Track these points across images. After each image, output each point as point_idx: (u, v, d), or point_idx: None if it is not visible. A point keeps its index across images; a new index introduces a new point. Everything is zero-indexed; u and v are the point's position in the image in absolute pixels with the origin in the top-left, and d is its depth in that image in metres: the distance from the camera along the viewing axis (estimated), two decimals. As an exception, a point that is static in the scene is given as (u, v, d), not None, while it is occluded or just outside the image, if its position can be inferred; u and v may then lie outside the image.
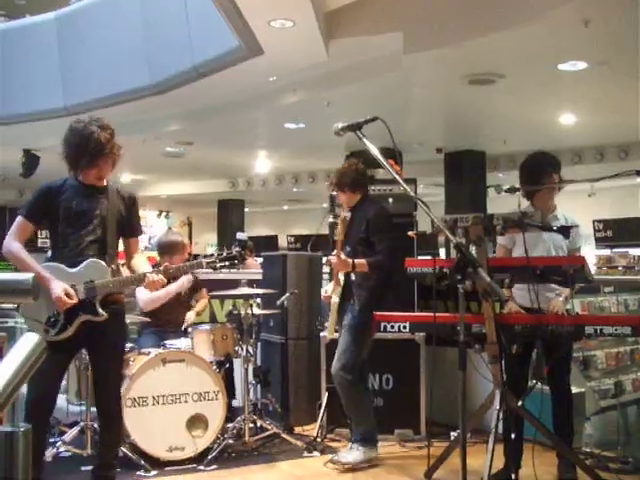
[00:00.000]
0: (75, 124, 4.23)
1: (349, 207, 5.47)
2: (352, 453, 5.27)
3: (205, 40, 6.94)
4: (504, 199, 5.90)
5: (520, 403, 4.38)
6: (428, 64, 6.87)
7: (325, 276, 7.01)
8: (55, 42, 8.77)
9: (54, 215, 4.18)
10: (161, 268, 4.41)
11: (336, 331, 5.45)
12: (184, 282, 6.26)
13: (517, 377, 4.67)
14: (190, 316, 6.32)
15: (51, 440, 5.45)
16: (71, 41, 8.69)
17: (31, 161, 10.36)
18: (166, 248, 6.35)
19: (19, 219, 4.20)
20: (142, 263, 4.51)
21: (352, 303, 5.28)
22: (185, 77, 7.37)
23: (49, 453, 5.20)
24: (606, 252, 12.41)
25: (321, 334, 6.21)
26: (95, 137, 4.14)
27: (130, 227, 4.50)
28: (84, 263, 4.15)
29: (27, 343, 1.67)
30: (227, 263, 4.35)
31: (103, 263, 4.20)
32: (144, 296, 6.11)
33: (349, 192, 5.44)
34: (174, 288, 6.16)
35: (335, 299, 5.37)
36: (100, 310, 4.12)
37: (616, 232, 11.65)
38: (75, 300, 4.05)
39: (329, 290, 5.51)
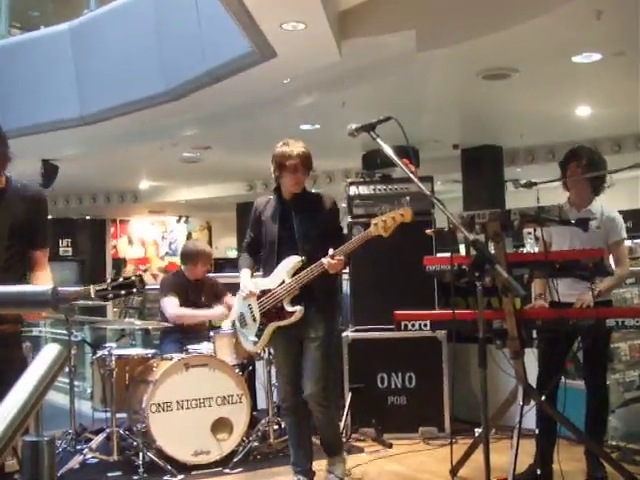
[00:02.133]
0: None
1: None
2: (340, 467, 4.80)
3: (218, 45, 6.96)
4: (523, 194, 5.88)
5: (544, 398, 4.37)
6: (442, 61, 6.86)
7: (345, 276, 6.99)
8: (70, 52, 8.83)
9: None
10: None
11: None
12: (216, 314, 6.31)
13: (549, 372, 4.62)
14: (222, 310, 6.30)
15: (78, 447, 5.51)
16: (85, 51, 8.76)
17: (50, 171, 10.44)
18: (191, 257, 6.31)
19: None
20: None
21: (315, 311, 4.54)
22: (199, 82, 7.39)
23: (76, 460, 5.26)
24: (627, 243, 12.32)
25: (343, 334, 6.22)
26: None
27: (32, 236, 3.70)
28: None
29: (50, 354, 1.70)
30: (122, 292, 3.50)
31: None
32: (173, 310, 6.11)
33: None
34: (210, 314, 6.28)
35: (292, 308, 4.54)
36: None
37: (636, 223, 11.56)
38: None
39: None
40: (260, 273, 4.86)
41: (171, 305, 6.09)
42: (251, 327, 4.66)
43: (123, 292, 3.48)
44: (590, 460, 4.67)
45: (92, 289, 3.47)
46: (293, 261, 4.51)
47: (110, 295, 3.47)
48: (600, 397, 4.77)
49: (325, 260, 4.34)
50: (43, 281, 3.65)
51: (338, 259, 4.36)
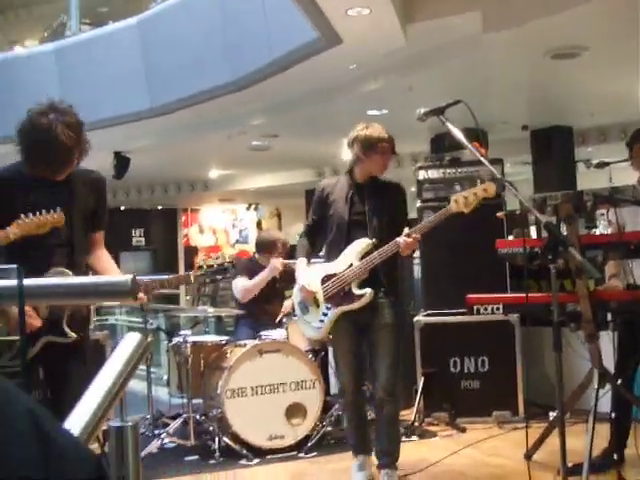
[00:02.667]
0: (37, 118, 3.43)
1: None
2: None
3: (283, 33, 6.99)
4: (595, 174, 5.79)
5: (619, 382, 4.31)
6: (508, 42, 6.76)
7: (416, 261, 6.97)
8: (138, 46, 8.98)
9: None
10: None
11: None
12: (274, 267, 6.13)
13: (627, 356, 4.56)
14: (287, 305, 6.23)
15: (156, 432, 5.63)
16: (153, 43, 8.90)
17: (122, 163, 10.64)
18: (267, 246, 6.30)
19: None
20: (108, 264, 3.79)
21: (382, 296, 4.46)
22: (265, 72, 7.44)
23: (154, 444, 5.38)
24: None
25: (414, 319, 6.22)
26: (61, 141, 3.41)
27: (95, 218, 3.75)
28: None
29: (131, 342, 1.75)
30: (218, 277, 3.87)
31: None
32: (241, 286, 6.15)
33: None
34: (266, 274, 6.13)
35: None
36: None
37: None
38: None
39: (312, 284, 4.57)
40: (321, 255, 4.80)
41: (239, 283, 6.15)
42: (314, 313, 4.54)
43: (219, 277, 3.76)
44: None
45: (192, 275, 3.67)
46: (363, 243, 4.41)
47: (207, 280, 3.59)
48: None
49: (401, 239, 4.25)
50: (108, 261, 3.76)
51: (415, 237, 4.27)
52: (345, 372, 4.57)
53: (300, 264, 4.63)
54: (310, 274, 4.57)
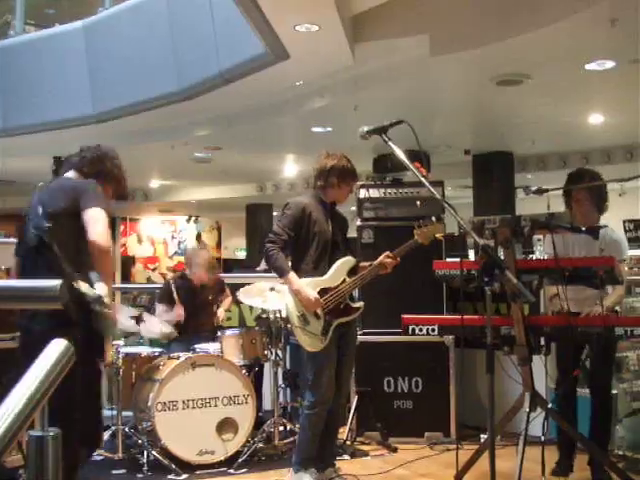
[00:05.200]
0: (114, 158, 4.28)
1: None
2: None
3: (231, 46, 6.97)
4: (534, 201, 5.87)
5: (550, 405, 4.36)
6: (455, 66, 6.84)
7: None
8: (83, 50, 8.85)
9: None
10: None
11: None
12: (177, 314, 6.41)
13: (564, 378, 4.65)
14: (220, 313, 6.55)
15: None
16: (99, 49, 8.77)
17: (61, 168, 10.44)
18: (188, 261, 6.68)
19: None
20: None
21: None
22: (212, 83, 7.40)
23: (81, 457, 5.26)
24: (637, 252, 12.27)
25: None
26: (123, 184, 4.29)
27: None
28: None
29: (56, 349, 1.69)
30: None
31: None
32: (164, 317, 6.40)
33: None
34: (173, 318, 6.39)
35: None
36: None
37: (648, 232, 11.53)
38: None
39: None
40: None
41: (160, 312, 6.41)
42: (315, 324, 4.67)
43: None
44: (594, 468, 4.67)
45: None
46: (350, 262, 4.87)
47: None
48: (604, 403, 4.78)
49: (389, 260, 4.80)
50: None
51: (398, 259, 4.83)
52: (329, 382, 4.73)
53: (294, 278, 4.69)
54: (308, 287, 4.70)
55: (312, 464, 4.76)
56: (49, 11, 12.09)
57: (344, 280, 4.79)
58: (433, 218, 4.92)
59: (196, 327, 6.29)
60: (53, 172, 10.33)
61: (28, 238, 3.74)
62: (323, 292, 4.72)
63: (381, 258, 4.83)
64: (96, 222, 3.66)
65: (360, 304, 4.89)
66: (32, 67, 9.21)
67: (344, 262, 4.84)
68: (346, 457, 5.60)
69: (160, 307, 6.42)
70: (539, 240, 5.31)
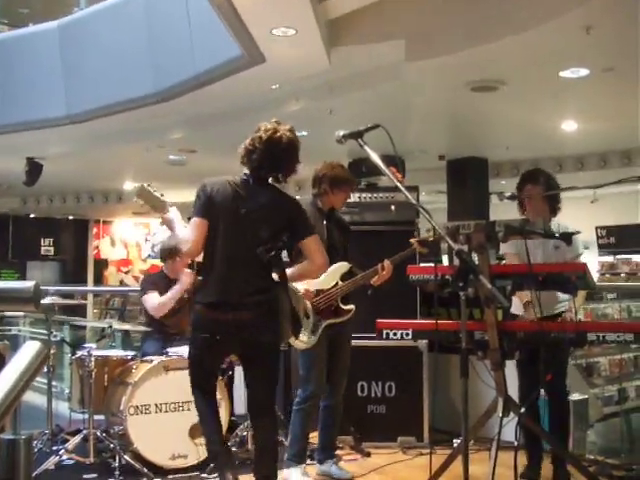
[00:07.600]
0: None
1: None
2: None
3: (207, 48, 6.95)
4: (507, 206, 5.90)
5: (522, 410, 4.37)
6: (430, 72, 6.87)
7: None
8: (58, 50, 8.79)
9: None
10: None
11: None
12: (184, 280, 6.10)
13: (527, 384, 4.69)
14: None
15: (54, 448, 5.46)
16: (74, 49, 8.72)
17: (34, 169, 10.36)
18: (169, 252, 6.23)
19: None
20: None
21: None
22: (188, 85, 7.38)
23: (52, 461, 5.21)
24: (609, 259, 12.40)
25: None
26: None
27: None
28: None
29: (29, 351, 1.67)
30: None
31: None
32: (157, 302, 6.04)
33: None
34: (178, 289, 6.05)
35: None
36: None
37: (619, 238, 11.63)
38: None
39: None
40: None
41: (152, 299, 6.05)
42: (305, 323, 4.84)
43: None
44: (557, 470, 4.72)
45: None
46: (344, 267, 5.12)
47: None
48: (563, 404, 4.85)
49: (386, 265, 5.06)
50: None
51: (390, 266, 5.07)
52: (320, 377, 5.05)
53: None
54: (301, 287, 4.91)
55: (304, 459, 5.10)
56: (23, 10, 12.00)
57: (337, 283, 5.06)
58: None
59: (170, 327, 6.15)
60: (26, 173, 10.26)
61: None
62: (317, 294, 5.01)
63: (377, 267, 5.09)
64: None
65: (351, 307, 5.11)
66: (5, 67, 9.14)
67: (339, 266, 5.08)
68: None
69: (152, 293, 6.07)
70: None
